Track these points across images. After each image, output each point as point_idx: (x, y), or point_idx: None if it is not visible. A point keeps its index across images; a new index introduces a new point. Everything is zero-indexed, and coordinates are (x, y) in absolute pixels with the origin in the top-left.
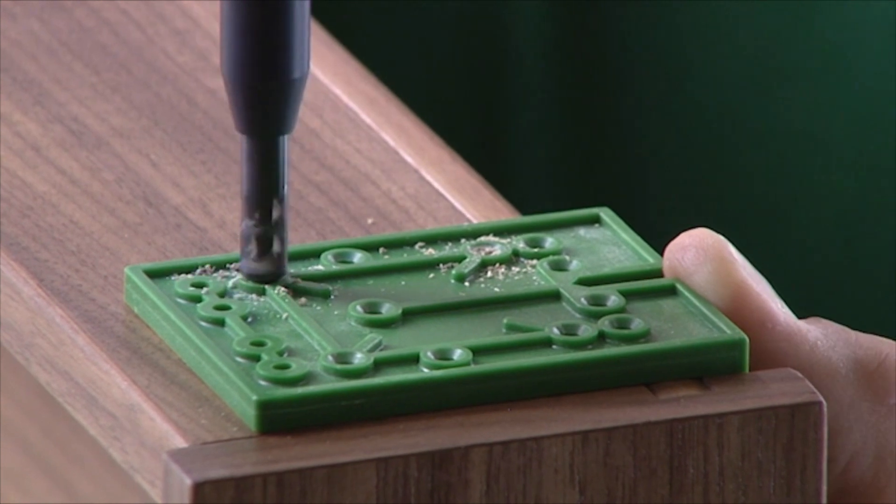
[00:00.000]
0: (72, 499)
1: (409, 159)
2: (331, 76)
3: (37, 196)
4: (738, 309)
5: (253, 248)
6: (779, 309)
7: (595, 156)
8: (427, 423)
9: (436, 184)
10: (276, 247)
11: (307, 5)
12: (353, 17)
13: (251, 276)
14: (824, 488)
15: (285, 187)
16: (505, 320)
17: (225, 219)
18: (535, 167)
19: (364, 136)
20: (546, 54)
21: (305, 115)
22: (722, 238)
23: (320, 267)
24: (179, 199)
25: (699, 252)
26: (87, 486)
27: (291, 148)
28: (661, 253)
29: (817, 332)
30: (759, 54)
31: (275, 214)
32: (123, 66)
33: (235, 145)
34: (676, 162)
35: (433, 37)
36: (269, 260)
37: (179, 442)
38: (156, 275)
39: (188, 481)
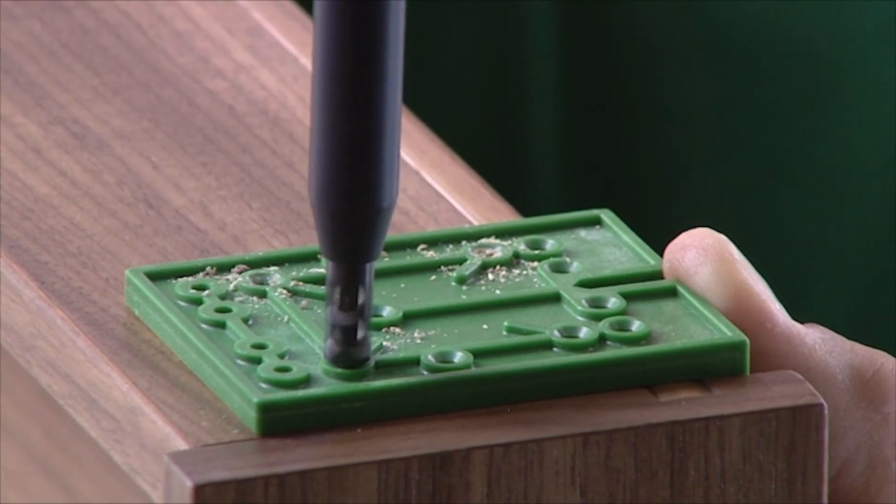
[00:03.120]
0: (73, 500)
1: (409, 161)
2: None
3: (38, 198)
4: (738, 309)
5: (342, 338)
6: (778, 310)
7: (610, 157)
8: (428, 425)
9: (436, 185)
10: (360, 333)
11: (399, 134)
12: None
13: (339, 363)
14: (825, 490)
15: (370, 312)
16: (505, 323)
17: (225, 220)
18: (548, 169)
19: None
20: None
21: (306, 116)
22: (723, 237)
23: (321, 269)
24: (180, 201)
25: (699, 252)
26: (88, 487)
27: (292, 150)
28: (662, 255)
29: (815, 336)
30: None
31: (359, 335)
32: (124, 67)
33: (236, 147)
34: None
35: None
36: (357, 349)
37: (180, 444)
38: (157, 277)
39: (189, 483)
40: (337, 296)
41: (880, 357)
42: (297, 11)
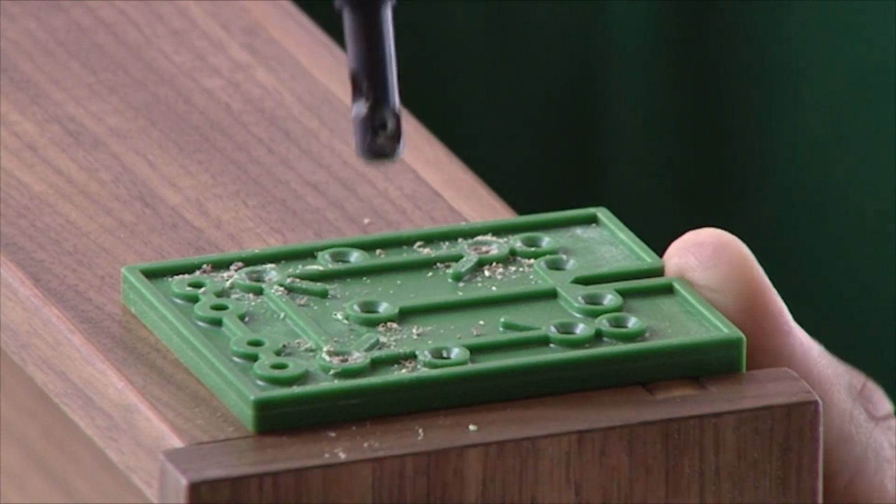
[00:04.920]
0: (70, 499)
1: (406, 159)
2: (328, 76)
3: (33, 196)
4: (755, 308)
5: (367, 128)
6: (788, 313)
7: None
8: (423, 422)
9: (433, 183)
10: (390, 124)
11: None
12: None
13: (370, 156)
14: (820, 488)
15: (393, 61)
16: (502, 319)
17: (221, 218)
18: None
19: None
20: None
21: (303, 114)
22: (737, 238)
23: (317, 266)
24: (176, 199)
25: (716, 248)
26: (85, 486)
27: (288, 148)
28: (659, 253)
29: (816, 344)
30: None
31: (390, 95)
32: (121, 66)
33: (232, 145)
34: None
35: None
36: (386, 138)
37: (175, 442)
38: (153, 275)
39: (184, 481)
40: (365, 92)
41: (863, 374)
42: (294, 10)
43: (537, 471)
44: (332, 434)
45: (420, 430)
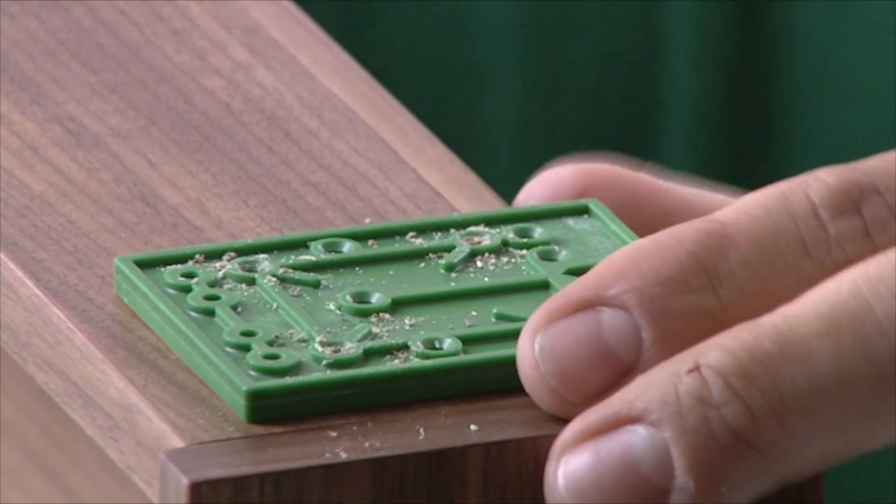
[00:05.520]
0: (70, 499)
1: (407, 159)
2: (329, 76)
3: (34, 196)
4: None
5: None
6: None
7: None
8: (424, 422)
9: (434, 183)
10: None
11: None
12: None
13: None
14: (821, 481)
15: None
16: (494, 310)
17: (222, 218)
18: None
19: (362, 136)
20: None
21: (303, 114)
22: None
23: (310, 257)
24: (177, 198)
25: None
26: (85, 485)
27: (288, 148)
28: None
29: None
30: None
31: None
32: (121, 65)
33: (233, 145)
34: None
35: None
36: None
37: (176, 442)
38: (146, 265)
39: (185, 481)
40: None
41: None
42: (294, 10)
43: (538, 471)
44: (334, 434)
45: (421, 430)
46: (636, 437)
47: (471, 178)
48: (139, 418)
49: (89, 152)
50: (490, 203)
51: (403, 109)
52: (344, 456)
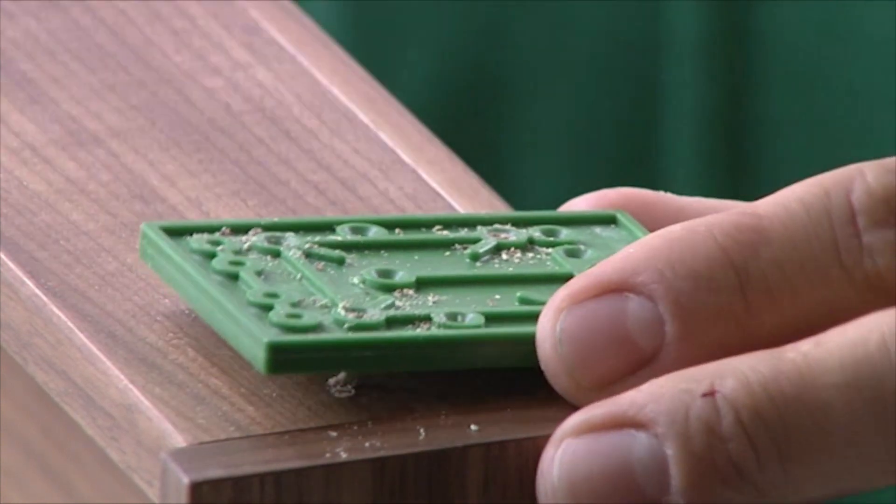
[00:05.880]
0: (70, 499)
1: (407, 159)
2: (329, 75)
3: (34, 195)
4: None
5: None
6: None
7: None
8: (424, 422)
9: (434, 183)
10: None
11: None
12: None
13: None
14: None
15: None
16: (518, 294)
17: (222, 218)
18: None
19: (362, 136)
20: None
21: (303, 114)
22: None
23: (337, 237)
24: (176, 198)
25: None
26: (86, 485)
27: (288, 148)
28: None
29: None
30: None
31: None
32: (121, 65)
33: (232, 145)
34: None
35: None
36: None
37: (177, 441)
38: (173, 233)
39: (185, 481)
40: None
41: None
42: (294, 9)
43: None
44: (334, 434)
45: (421, 430)
46: (637, 443)
47: (471, 178)
48: (140, 418)
49: (89, 152)
50: (490, 203)
51: (404, 109)
52: (344, 456)
